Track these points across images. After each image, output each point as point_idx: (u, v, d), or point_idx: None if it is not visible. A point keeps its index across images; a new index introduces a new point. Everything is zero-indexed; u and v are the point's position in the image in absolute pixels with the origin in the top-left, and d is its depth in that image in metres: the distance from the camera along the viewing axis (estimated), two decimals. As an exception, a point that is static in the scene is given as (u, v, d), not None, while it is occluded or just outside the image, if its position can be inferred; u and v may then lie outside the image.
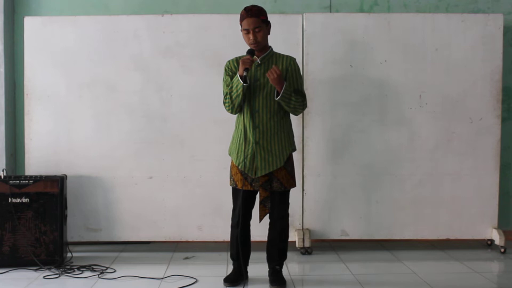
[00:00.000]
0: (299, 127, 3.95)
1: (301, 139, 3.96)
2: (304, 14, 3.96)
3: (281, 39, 3.88)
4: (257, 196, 3.20)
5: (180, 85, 3.95)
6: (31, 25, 3.94)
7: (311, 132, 3.96)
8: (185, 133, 3.96)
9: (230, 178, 3.20)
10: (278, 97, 3.01)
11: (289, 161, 3.17)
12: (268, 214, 3.19)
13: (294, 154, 3.89)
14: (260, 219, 3.17)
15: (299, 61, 3.91)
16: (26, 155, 3.96)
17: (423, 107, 3.98)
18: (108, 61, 3.94)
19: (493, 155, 4.00)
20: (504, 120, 4.19)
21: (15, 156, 4.29)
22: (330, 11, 4.27)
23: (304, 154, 3.97)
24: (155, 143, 3.96)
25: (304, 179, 3.98)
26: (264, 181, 3.10)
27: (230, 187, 3.23)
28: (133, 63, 3.95)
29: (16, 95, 4.27)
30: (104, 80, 3.95)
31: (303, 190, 3.98)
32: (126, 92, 3.95)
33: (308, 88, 3.94)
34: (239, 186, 3.13)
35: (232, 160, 3.18)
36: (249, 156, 3.08)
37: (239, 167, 3.11)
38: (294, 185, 3.19)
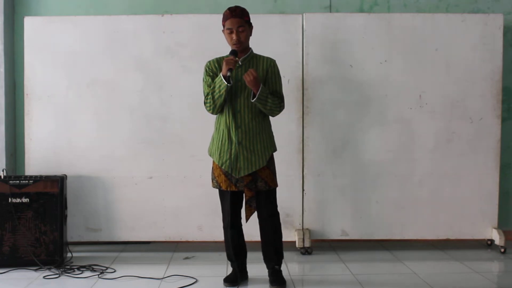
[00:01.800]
0: (299, 127, 3.95)
1: (301, 139, 3.96)
2: (304, 14, 3.96)
3: (281, 39, 3.89)
4: (243, 196, 3.19)
5: (180, 85, 3.95)
6: (31, 25, 3.94)
7: (311, 132, 3.96)
8: (185, 133, 3.96)
9: (213, 180, 3.19)
10: (254, 99, 3.02)
11: (271, 160, 3.18)
12: (256, 214, 3.19)
13: (294, 154, 3.92)
14: (247, 219, 3.17)
15: (299, 61, 3.93)
16: (26, 155, 3.96)
17: (423, 107, 3.98)
18: (108, 61, 3.95)
19: (493, 155, 4.00)
20: (504, 120, 4.19)
21: (15, 156, 4.29)
22: (330, 11, 4.27)
23: (304, 154, 3.97)
24: (155, 143, 3.96)
25: (304, 179, 3.98)
26: (248, 181, 3.09)
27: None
28: (133, 63, 3.95)
29: (16, 95, 4.27)
30: (104, 80, 3.95)
31: (303, 190, 3.98)
32: (126, 92, 3.95)
33: (308, 88, 3.94)
34: (223, 188, 3.13)
35: (214, 162, 3.18)
36: (232, 156, 3.08)
37: (223, 167, 3.10)
38: (276, 184, 3.20)
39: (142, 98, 3.96)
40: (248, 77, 2.97)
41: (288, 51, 3.90)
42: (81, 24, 3.94)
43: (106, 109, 3.95)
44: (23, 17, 4.00)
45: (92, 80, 3.95)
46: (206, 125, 3.88)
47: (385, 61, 3.96)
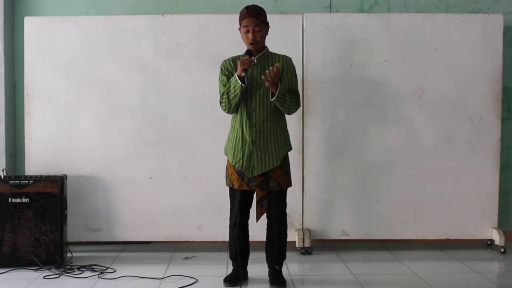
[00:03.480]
0: (299, 127, 3.95)
1: (301, 139, 3.96)
2: (304, 14, 3.96)
3: (281, 39, 3.88)
4: (254, 195, 3.20)
5: (180, 85, 3.95)
6: (31, 25, 3.94)
7: (311, 132, 3.96)
8: (185, 133, 3.96)
9: (226, 178, 3.20)
10: (273, 98, 3.02)
11: (285, 160, 3.18)
12: (265, 214, 3.20)
13: (294, 154, 3.92)
14: (257, 219, 3.18)
15: (299, 61, 3.93)
16: (26, 155, 3.96)
17: (423, 107, 3.98)
18: (108, 61, 3.95)
19: (493, 155, 4.00)
20: (504, 120, 4.19)
21: (15, 156, 4.29)
22: (330, 11, 4.27)
23: (304, 154, 3.97)
24: (155, 143, 3.96)
25: (304, 179, 3.98)
26: (260, 181, 3.10)
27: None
28: (133, 63, 3.95)
29: (16, 95, 4.27)
30: (104, 80, 3.95)
31: (303, 190, 3.98)
32: (126, 92, 3.95)
33: (308, 88, 3.94)
34: (235, 186, 3.13)
35: (228, 160, 3.19)
36: (245, 155, 3.08)
37: (236, 166, 3.11)
38: (290, 184, 3.20)
39: (142, 98, 3.96)
40: (269, 79, 2.93)
41: (288, 51, 3.88)
42: (81, 24, 3.94)
43: (106, 109, 3.95)
44: (23, 17, 4.00)
45: (92, 80, 3.95)
46: (206, 125, 3.91)
47: (385, 61, 3.96)
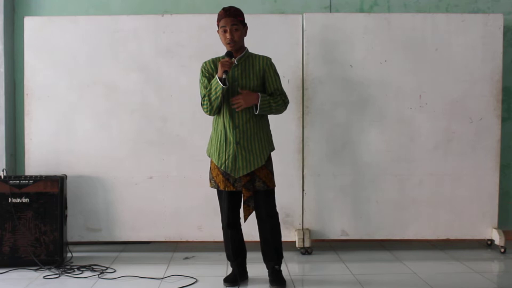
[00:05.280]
0: (299, 127, 3.95)
1: (301, 139, 3.96)
2: (304, 14, 3.96)
3: (281, 39, 3.89)
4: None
5: (180, 85, 3.95)
6: (31, 25, 3.94)
7: (311, 132, 3.96)
8: (185, 133, 3.96)
9: (211, 180, 3.19)
10: (257, 111, 3.04)
11: (269, 160, 3.18)
12: (255, 214, 3.19)
13: (294, 154, 3.92)
14: (245, 219, 3.18)
15: (299, 61, 3.93)
16: (26, 155, 3.96)
17: (423, 107, 3.98)
18: (108, 61, 3.95)
19: (493, 155, 4.00)
20: (504, 120, 4.19)
21: (15, 156, 4.29)
22: (330, 11, 4.27)
23: (304, 154, 3.97)
24: (155, 143, 3.96)
25: (304, 179, 3.98)
26: (246, 181, 3.10)
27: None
28: (133, 63, 3.95)
29: (16, 95, 4.27)
30: (104, 80, 3.95)
31: (303, 190, 3.98)
32: (126, 92, 3.95)
33: (308, 88, 3.94)
34: (221, 188, 3.13)
35: (212, 162, 3.18)
36: (230, 156, 3.08)
37: (221, 167, 3.11)
38: (275, 184, 3.20)
39: (142, 98, 3.96)
40: (240, 106, 3.00)
41: (288, 51, 3.90)
42: (81, 24, 3.94)
43: (106, 109, 3.95)
44: (23, 17, 4.00)
45: (92, 80, 3.95)
46: (206, 125, 3.88)
47: (385, 61, 3.96)
